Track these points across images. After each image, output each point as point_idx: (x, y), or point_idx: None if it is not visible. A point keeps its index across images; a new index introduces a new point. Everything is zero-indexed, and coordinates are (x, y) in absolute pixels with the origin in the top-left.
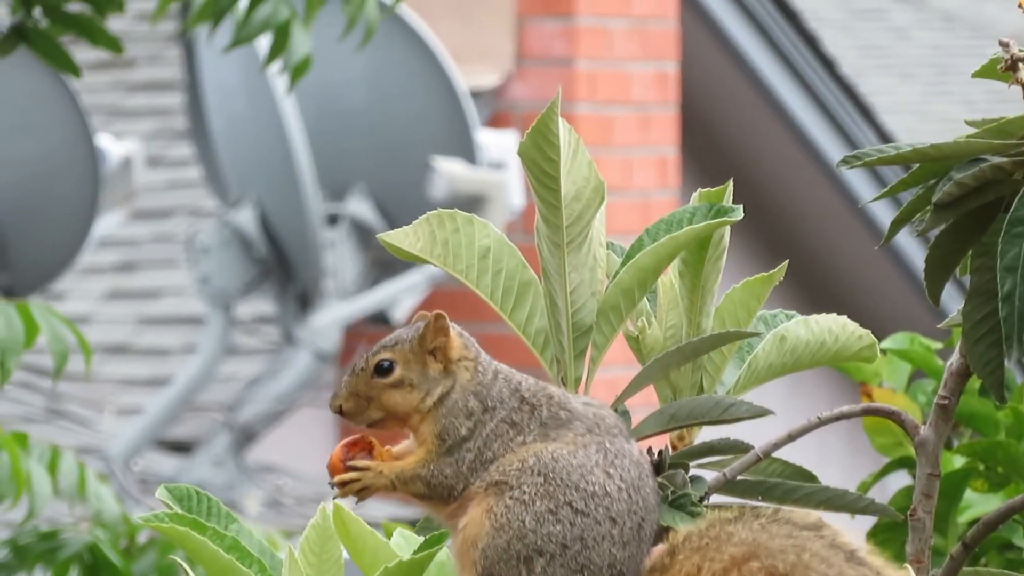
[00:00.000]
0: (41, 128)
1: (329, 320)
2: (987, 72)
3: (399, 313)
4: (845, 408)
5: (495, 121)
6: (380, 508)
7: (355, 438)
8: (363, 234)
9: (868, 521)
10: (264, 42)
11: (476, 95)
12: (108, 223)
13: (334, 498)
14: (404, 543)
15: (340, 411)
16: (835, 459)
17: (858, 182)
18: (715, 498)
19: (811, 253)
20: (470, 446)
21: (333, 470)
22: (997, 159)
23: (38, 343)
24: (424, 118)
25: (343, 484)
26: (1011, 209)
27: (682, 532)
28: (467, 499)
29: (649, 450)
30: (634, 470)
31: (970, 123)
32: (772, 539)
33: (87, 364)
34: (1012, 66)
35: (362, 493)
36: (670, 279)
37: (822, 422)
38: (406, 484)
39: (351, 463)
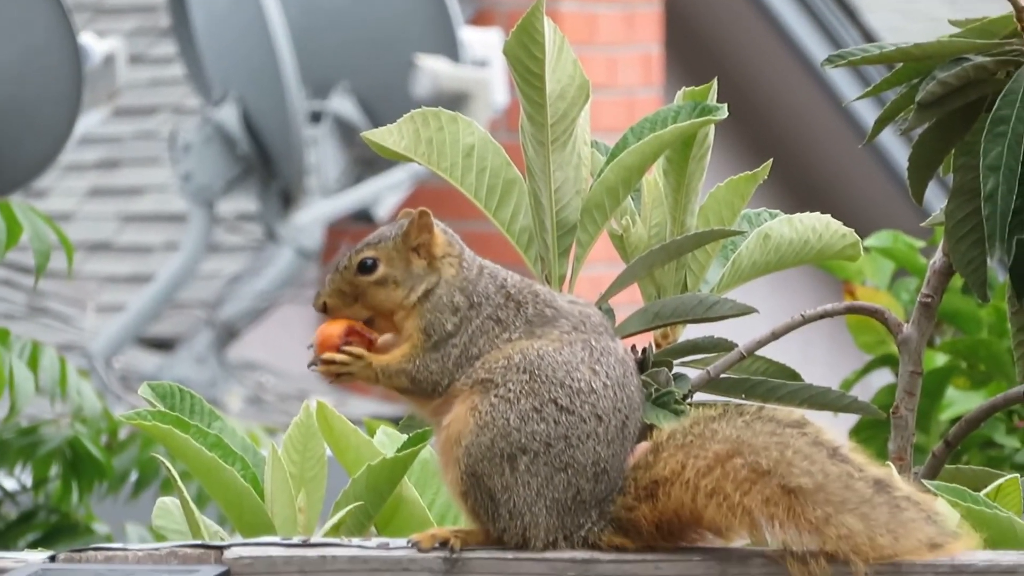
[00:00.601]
0: (24, 26)
1: (312, 218)
2: None
3: (383, 211)
4: (829, 306)
5: (479, 19)
6: (363, 406)
7: (359, 327)
8: (346, 131)
9: (851, 419)
10: None
11: None
12: (91, 121)
13: (309, 365)
14: (387, 441)
15: (324, 309)
16: (818, 357)
17: (842, 81)
18: (699, 396)
19: (795, 152)
20: (456, 342)
21: (326, 344)
22: (980, 59)
23: (20, 241)
24: (408, 15)
25: (329, 363)
26: (994, 108)
27: (666, 430)
28: (452, 396)
29: (633, 348)
30: (619, 368)
31: (953, 23)
32: (756, 436)
33: (69, 262)
34: None
35: (343, 378)
36: (654, 178)
37: (805, 320)
38: (391, 378)
39: (346, 348)
